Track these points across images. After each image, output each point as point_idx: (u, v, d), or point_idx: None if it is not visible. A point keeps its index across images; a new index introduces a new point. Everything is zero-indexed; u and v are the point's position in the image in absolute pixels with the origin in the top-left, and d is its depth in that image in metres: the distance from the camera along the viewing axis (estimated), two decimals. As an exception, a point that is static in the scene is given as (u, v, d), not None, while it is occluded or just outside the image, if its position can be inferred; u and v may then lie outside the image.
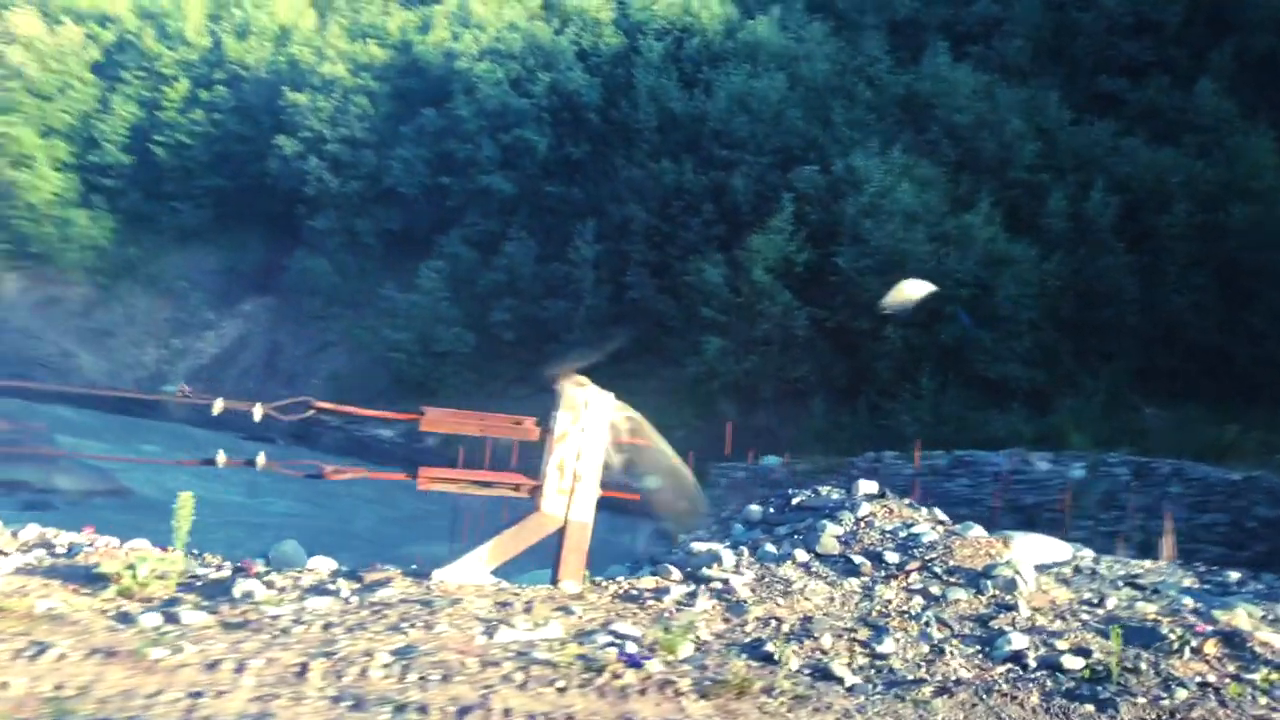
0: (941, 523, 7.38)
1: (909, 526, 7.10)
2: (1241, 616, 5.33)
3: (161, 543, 6.99)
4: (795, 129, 31.79)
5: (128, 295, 36.88)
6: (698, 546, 7.24)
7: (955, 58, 32.09)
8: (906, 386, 25.66)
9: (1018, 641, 4.93)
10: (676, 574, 6.47)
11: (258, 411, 5.91)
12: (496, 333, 32.66)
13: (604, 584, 6.29)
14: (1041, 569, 6.38)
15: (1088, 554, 7.29)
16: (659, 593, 6.04)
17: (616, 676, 4.42)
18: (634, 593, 6.06)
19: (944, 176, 29.43)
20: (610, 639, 4.96)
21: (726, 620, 5.55)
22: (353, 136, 35.44)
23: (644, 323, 30.99)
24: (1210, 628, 5.12)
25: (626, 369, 31.63)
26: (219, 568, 6.08)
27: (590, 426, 6.27)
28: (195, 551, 6.62)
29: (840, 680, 4.59)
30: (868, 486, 8.38)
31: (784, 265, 28.66)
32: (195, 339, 36.64)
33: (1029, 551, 6.69)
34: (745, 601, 5.85)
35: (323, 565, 6.50)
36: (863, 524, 7.21)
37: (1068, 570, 6.65)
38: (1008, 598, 5.68)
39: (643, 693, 4.28)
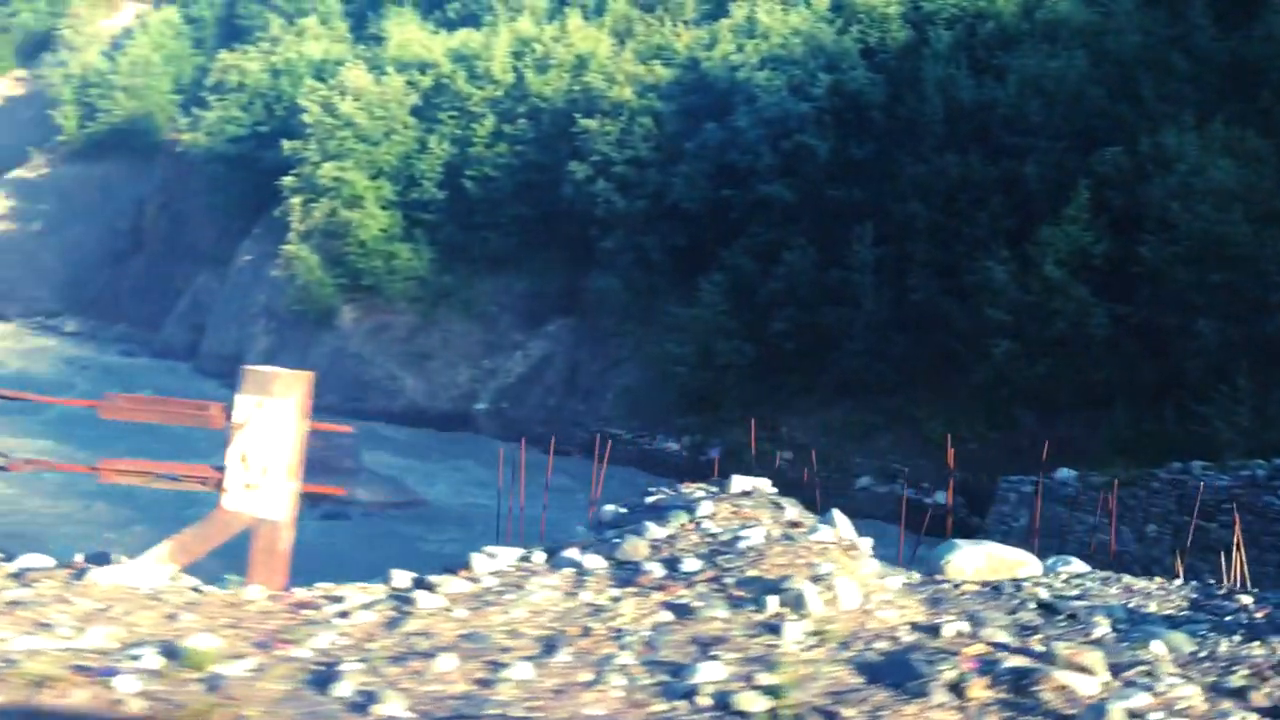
0: (796, 524, 6.10)
1: (747, 527, 5.92)
2: (1153, 648, 3.93)
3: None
4: (1096, 108, 29.10)
5: (445, 321, 39.53)
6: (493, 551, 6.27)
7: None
8: (1221, 388, 22.51)
9: (707, 673, 3.83)
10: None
11: None
12: (777, 343, 32.03)
13: (311, 589, 5.51)
14: (914, 587, 5.04)
15: (1072, 568, 5.73)
16: (336, 600, 5.29)
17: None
18: (312, 602, 5.29)
19: (1275, 150, 25.74)
20: (151, 650, 4.21)
21: (371, 636, 4.73)
22: (638, 157, 36.11)
23: (928, 327, 29.35)
24: (994, 662, 3.81)
25: (912, 377, 30.12)
26: None
27: (279, 413, 5.54)
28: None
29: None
30: (741, 483, 7.16)
31: (1079, 258, 26.18)
32: (504, 359, 38.64)
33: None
34: (424, 615, 4.94)
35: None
36: (690, 526, 6.10)
37: (948, 587, 5.23)
38: (791, 616, 4.50)
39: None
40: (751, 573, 5.47)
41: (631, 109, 37.13)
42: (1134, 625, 4.56)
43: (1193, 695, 3.76)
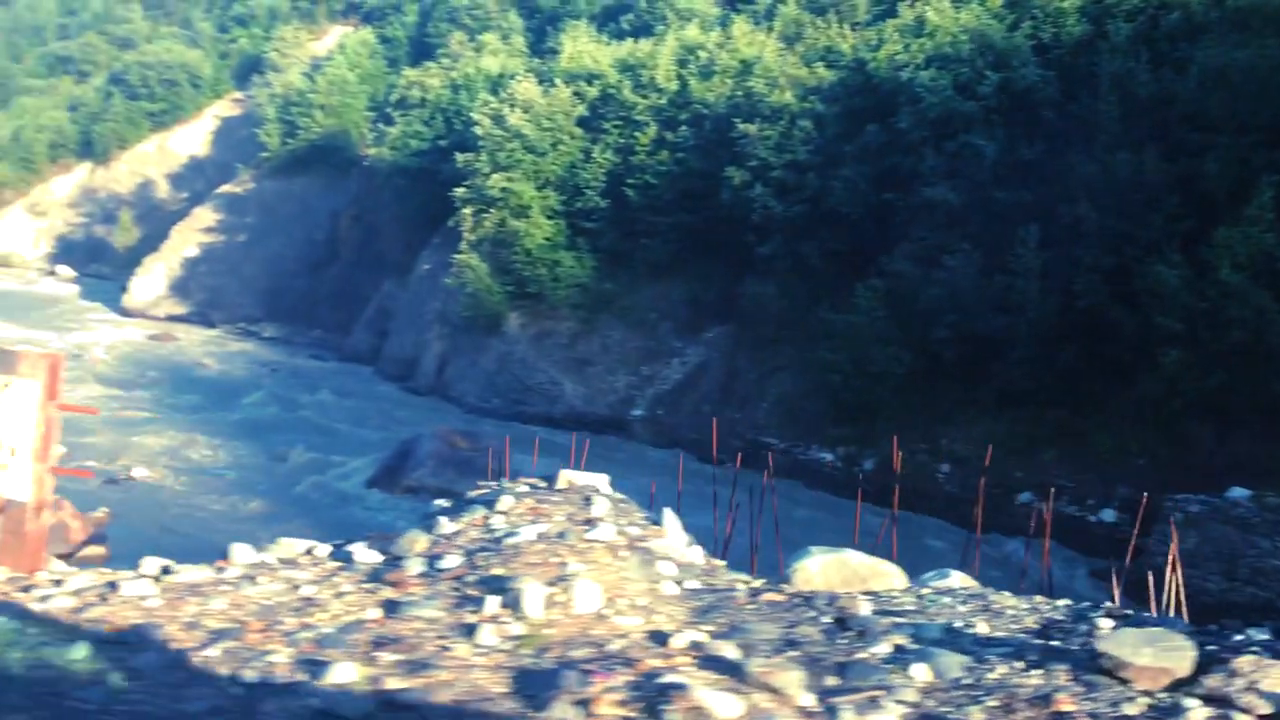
0: (589, 523, 5.53)
1: (533, 524, 5.41)
2: (913, 671, 3.34)
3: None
4: (1289, 99, 26.76)
5: (605, 327, 39.95)
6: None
7: None
8: None
9: (340, 674, 3.47)
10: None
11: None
12: (936, 352, 30.90)
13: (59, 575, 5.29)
14: (695, 593, 4.46)
15: (947, 582, 5.01)
16: (59, 584, 5.12)
17: None
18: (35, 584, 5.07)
19: None
20: None
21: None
22: (797, 161, 35.56)
23: (1095, 336, 27.66)
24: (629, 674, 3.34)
25: (1077, 388, 28.45)
26: None
27: (25, 394, 5.37)
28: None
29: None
30: (569, 478, 6.59)
31: (1259, 261, 24.15)
32: (662, 366, 38.73)
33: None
34: (115, 603, 4.66)
35: None
36: (479, 522, 5.62)
37: (741, 595, 4.58)
38: (506, 618, 4.04)
39: None
40: (497, 571, 5.22)
41: (792, 112, 36.62)
42: (928, 645, 3.99)
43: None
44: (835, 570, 4.93)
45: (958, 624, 4.14)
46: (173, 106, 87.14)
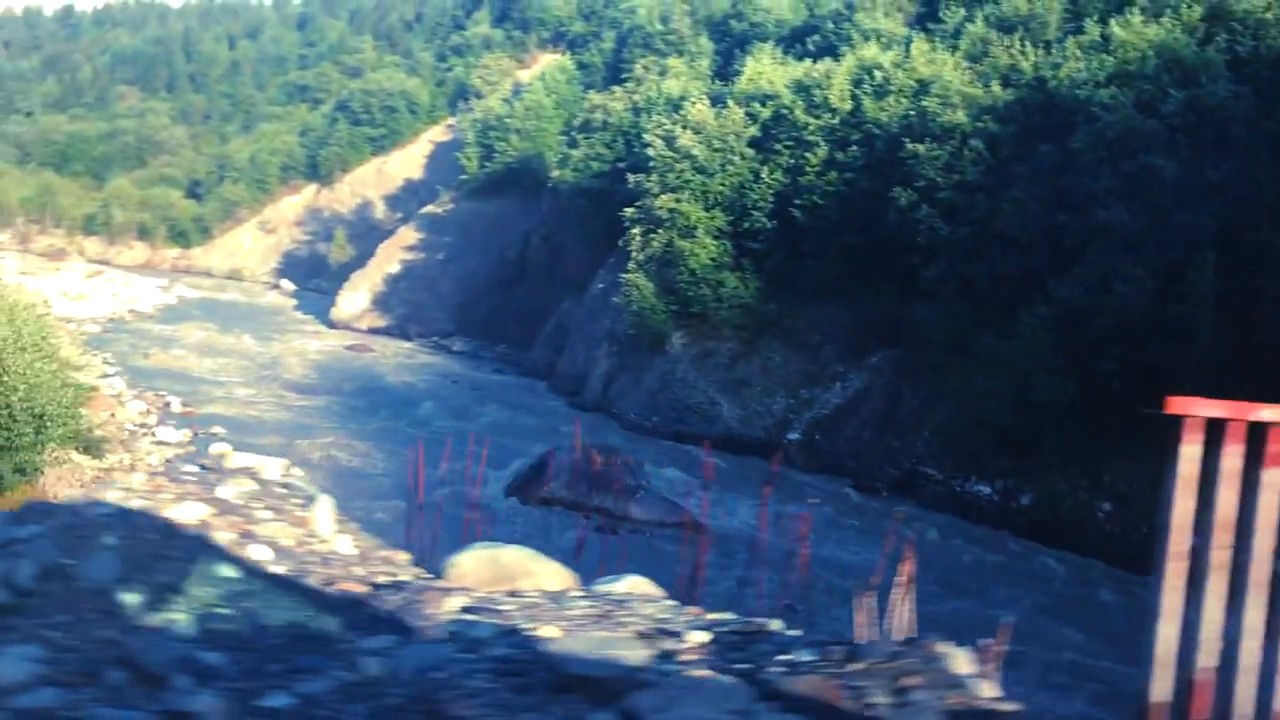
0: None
1: None
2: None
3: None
4: None
5: (766, 349, 39.62)
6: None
7: None
8: None
9: None
10: None
11: None
12: (1102, 382, 29.08)
13: None
14: None
15: (617, 587, 4.43)
16: None
17: None
18: None
19: None
20: None
21: None
22: (966, 181, 34.37)
23: (1274, 372, 25.37)
24: None
25: (1255, 427, 26.18)
26: None
27: None
28: None
29: None
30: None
31: None
32: (822, 390, 38.08)
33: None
34: None
35: None
36: None
37: None
38: None
39: None
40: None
41: (964, 132, 35.45)
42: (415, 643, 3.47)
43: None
44: (486, 566, 4.71)
45: (525, 626, 3.66)
46: (391, 131, 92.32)
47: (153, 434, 30.28)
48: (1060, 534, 29.23)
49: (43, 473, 19.87)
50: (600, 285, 47.99)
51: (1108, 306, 29.60)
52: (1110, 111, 31.73)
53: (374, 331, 61.35)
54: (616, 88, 54.59)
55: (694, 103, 43.74)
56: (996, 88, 36.58)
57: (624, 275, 42.46)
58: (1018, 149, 34.49)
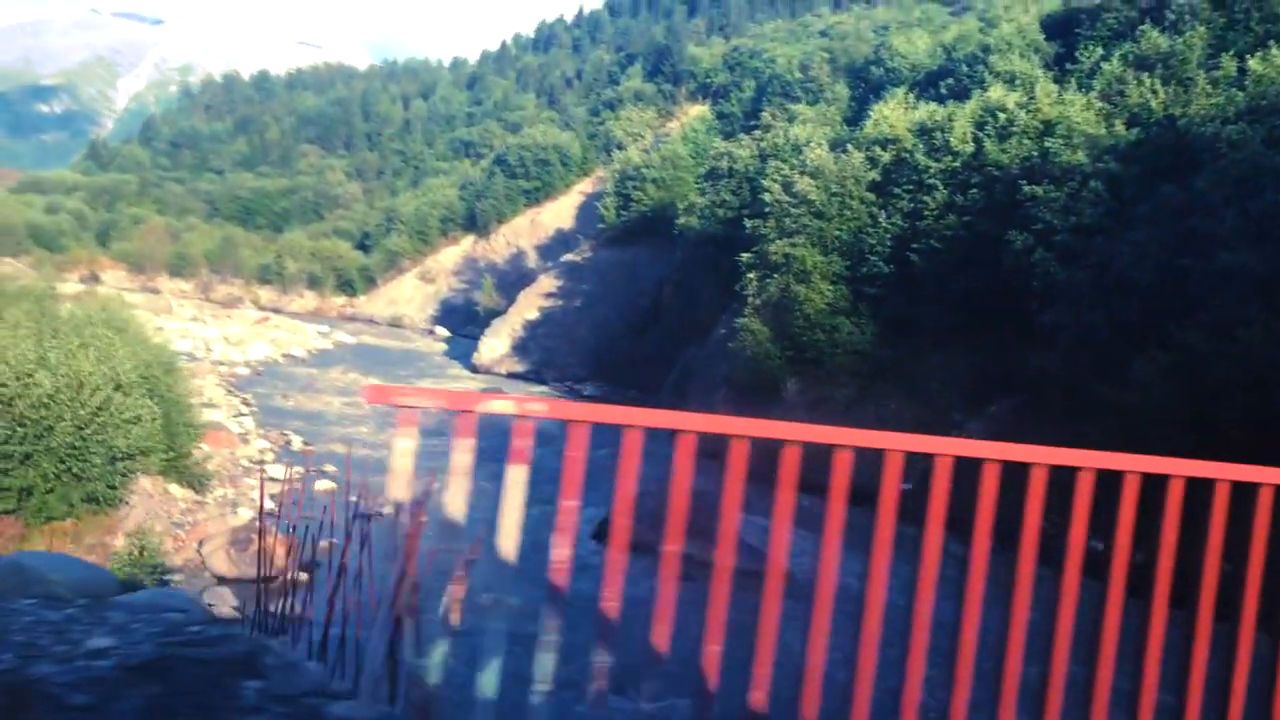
0: None
1: None
2: None
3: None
4: None
5: (882, 396, 38.76)
6: None
7: None
8: None
9: None
10: None
11: None
12: (1223, 433, 27.29)
13: None
14: None
15: None
16: None
17: None
18: None
19: None
20: None
21: None
22: (1083, 224, 33.05)
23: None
24: None
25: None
26: None
27: None
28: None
29: None
30: None
31: None
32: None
33: None
34: None
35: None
36: None
37: None
38: None
39: None
40: None
41: (1084, 172, 34.15)
42: None
43: None
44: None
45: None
46: (544, 184, 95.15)
47: (263, 470, 31.79)
48: (1179, 594, 27.43)
49: (127, 503, 21.13)
50: (722, 331, 47.99)
51: (1231, 353, 27.87)
52: (1237, 149, 30.08)
53: (512, 376, 62.87)
54: (744, 135, 54.88)
55: (813, 148, 43.55)
56: (1120, 126, 35.16)
57: (738, 320, 42.37)
58: (1141, 190, 32.98)
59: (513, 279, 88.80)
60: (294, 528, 7.70)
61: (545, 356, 63.29)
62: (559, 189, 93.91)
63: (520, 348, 64.87)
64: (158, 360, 28.97)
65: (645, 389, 56.32)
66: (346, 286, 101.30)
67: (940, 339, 38.32)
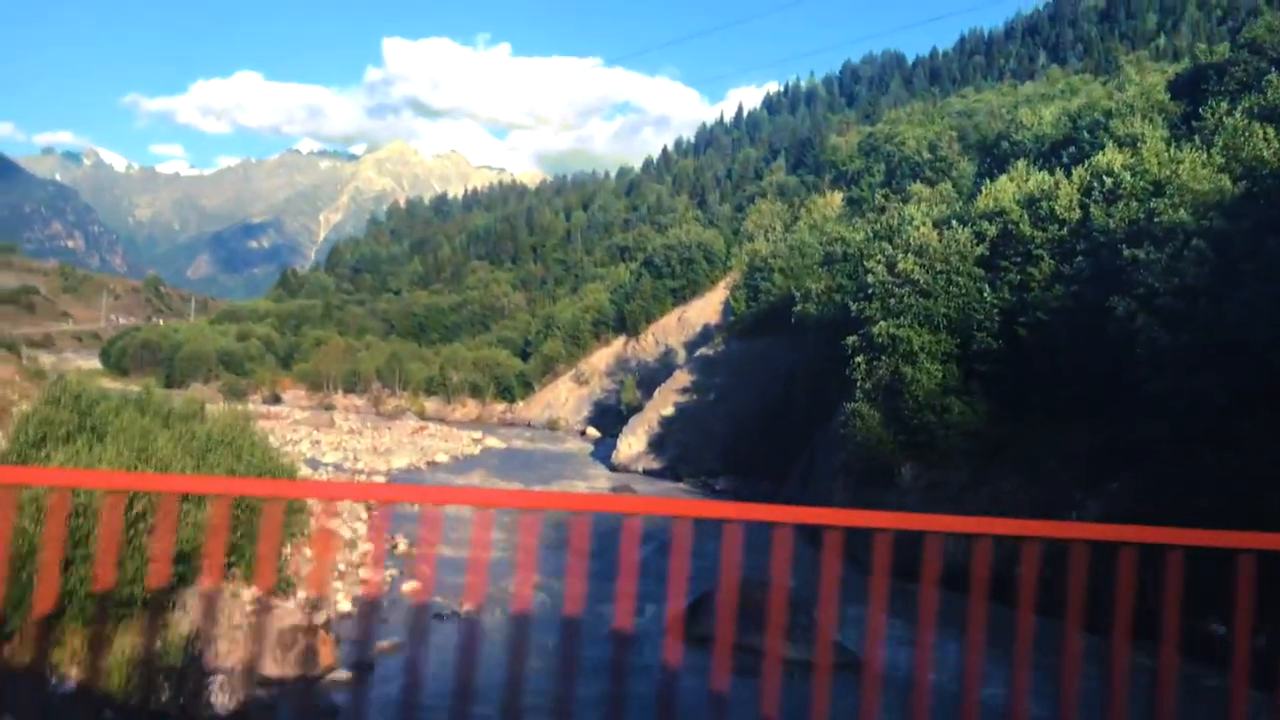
0: None
1: None
2: None
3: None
4: None
5: (996, 477, 37.04)
6: None
7: None
8: None
9: None
10: None
11: None
12: (1345, 501, 24.96)
13: None
14: None
15: None
16: None
17: None
18: None
19: None
20: None
21: None
22: (1186, 285, 31.17)
23: None
24: None
25: None
26: None
27: None
28: None
29: None
30: None
31: None
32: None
33: None
34: None
35: None
36: None
37: None
38: None
39: None
40: None
41: (1187, 231, 32.33)
42: None
43: None
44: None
45: None
46: (690, 282, 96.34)
47: (358, 574, 32.78)
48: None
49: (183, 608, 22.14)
50: (841, 417, 47.04)
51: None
52: (1347, 194, 28.00)
53: (649, 473, 63.06)
54: (859, 218, 54.39)
55: (916, 225, 42.77)
56: (1225, 180, 33.23)
57: (848, 405, 41.53)
58: (1249, 246, 30.96)
59: (662, 376, 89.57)
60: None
61: (681, 452, 63.27)
62: (704, 286, 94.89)
63: (656, 444, 65.13)
64: (273, 470, 30.57)
65: (776, 480, 55.51)
66: (506, 393, 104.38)
67: (1055, 415, 36.50)
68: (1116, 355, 33.45)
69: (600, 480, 60.86)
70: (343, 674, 22.15)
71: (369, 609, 29.67)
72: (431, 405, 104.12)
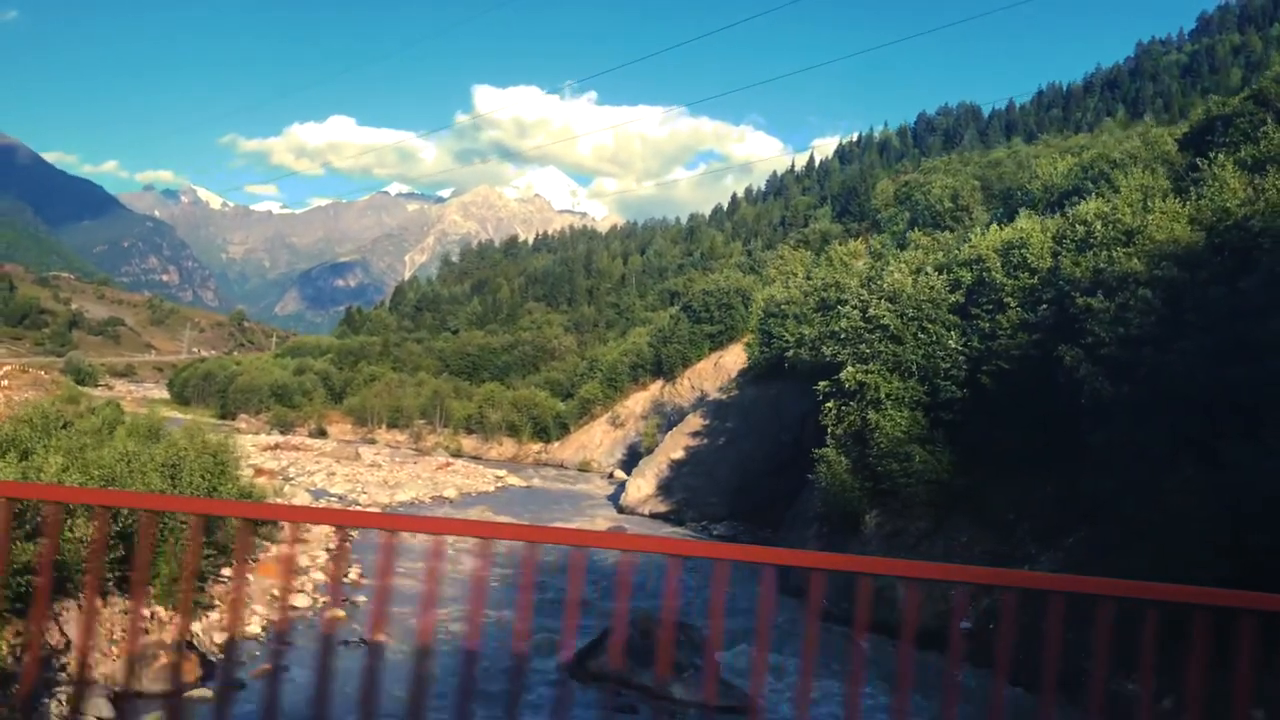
0: None
1: None
2: None
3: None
4: None
5: (953, 528, 36.32)
6: None
7: None
8: None
9: None
10: None
11: None
12: (1262, 561, 23.98)
13: None
14: None
15: None
16: None
17: None
18: None
19: None
20: None
21: None
22: (1130, 335, 30.43)
23: None
24: None
25: None
26: None
27: None
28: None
29: None
30: None
31: None
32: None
33: None
34: None
35: None
36: None
37: None
38: None
39: None
40: None
41: (1138, 279, 31.60)
42: None
43: None
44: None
45: None
46: (727, 327, 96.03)
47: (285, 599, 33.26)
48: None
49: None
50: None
51: (1274, 471, 24.65)
52: (1284, 243, 27.18)
53: (655, 516, 62.78)
54: (859, 264, 53.94)
55: (891, 271, 42.37)
56: (1186, 230, 32.42)
57: (816, 451, 41.09)
58: (1198, 296, 30.16)
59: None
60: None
61: (687, 496, 62.91)
62: (741, 331, 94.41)
63: (664, 487, 64.85)
64: (222, 491, 31.45)
65: (776, 526, 54.92)
66: (542, 434, 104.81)
67: (1016, 465, 35.73)
68: (1067, 405, 32.73)
69: (600, 521, 60.75)
70: (207, 692, 22.54)
71: (276, 633, 30.18)
72: (470, 443, 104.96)
